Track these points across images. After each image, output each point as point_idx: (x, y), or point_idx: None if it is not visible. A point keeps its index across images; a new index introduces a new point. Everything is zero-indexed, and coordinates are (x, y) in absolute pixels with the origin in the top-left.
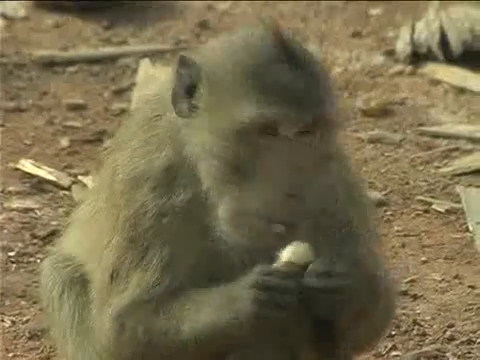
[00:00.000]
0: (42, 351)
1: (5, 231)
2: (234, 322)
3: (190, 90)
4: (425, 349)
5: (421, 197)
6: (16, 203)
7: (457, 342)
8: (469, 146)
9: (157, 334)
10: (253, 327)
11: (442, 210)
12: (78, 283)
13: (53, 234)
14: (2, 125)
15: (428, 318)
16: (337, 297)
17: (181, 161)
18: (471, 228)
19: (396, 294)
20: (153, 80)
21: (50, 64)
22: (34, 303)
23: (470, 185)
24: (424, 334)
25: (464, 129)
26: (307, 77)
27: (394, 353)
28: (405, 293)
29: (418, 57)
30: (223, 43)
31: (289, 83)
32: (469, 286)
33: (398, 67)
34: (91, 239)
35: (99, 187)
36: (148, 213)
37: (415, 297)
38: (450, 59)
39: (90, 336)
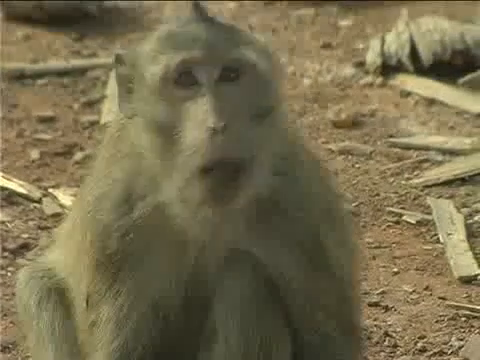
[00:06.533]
0: None
1: None
2: None
3: (130, 88)
4: None
5: (392, 208)
6: None
7: (429, 353)
8: (439, 157)
9: None
10: None
11: (413, 221)
12: (56, 293)
13: (24, 247)
14: None
15: (399, 329)
16: None
17: (139, 174)
18: (442, 239)
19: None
20: None
21: (20, 76)
22: (5, 316)
23: (441, 196)
24: (395, 345)
25: (434, 140)
26: (220, 30)
27: None
28: (376, 304)
29: (388, 69)
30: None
31: (199, 34)
32: (440, 297)
33: (368, 79)
34: (71, 256)
35: (76, 204)
36: (112, 235)
37: (386, 308)
38: (420, 70)
39: (72, 344)
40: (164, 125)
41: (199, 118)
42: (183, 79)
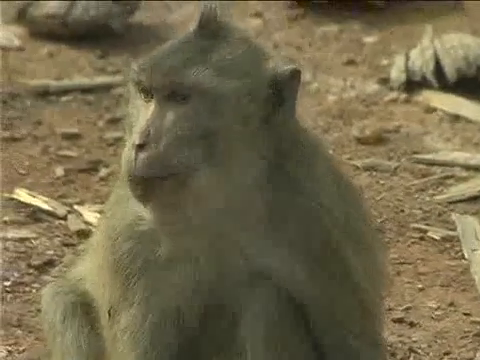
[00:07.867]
0: None
1: (0, 261)
2: None
3: None
4: None
5: (416, 225)
6: (11, 233)
7: None
8: (464, 173)
9: None
10: None
11: (437, 237)
12: (81, 308)
13: (49, 263)
14: None
15: (424, 346)
16: None
17: None
18: (466, 255)
19: None
20: None
21: (44, 93)
22: (30, 332)
23: (465, 212)
24: None
25: (459, 156)
26: (187, 50)
27: None
28: (401, 321)
29: (412, 85)
30: None
31: (161, 56)
32: (465, 313)
33: (393, 95)
34: (96, 267)
35: (102, 217)
36: (122, 241)
37: (411, 324)
38: (445, 86)
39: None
40: (127, 127)
41: (135, 130)
42: (143, 91)
